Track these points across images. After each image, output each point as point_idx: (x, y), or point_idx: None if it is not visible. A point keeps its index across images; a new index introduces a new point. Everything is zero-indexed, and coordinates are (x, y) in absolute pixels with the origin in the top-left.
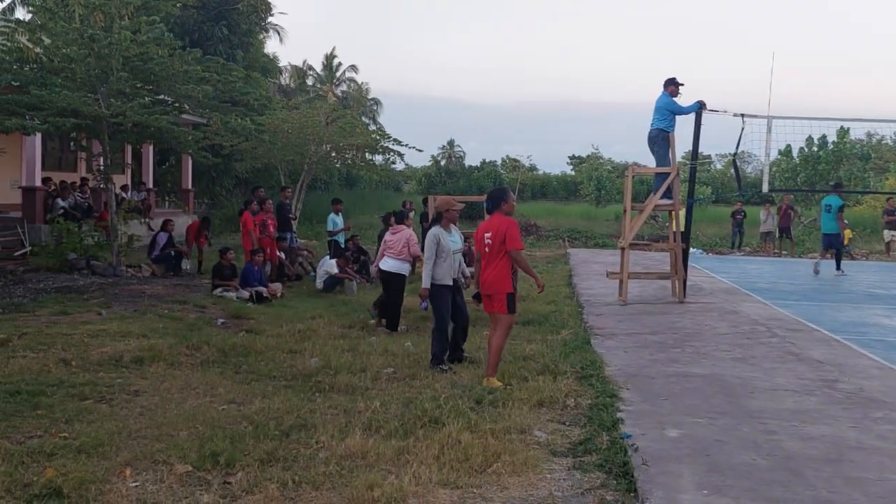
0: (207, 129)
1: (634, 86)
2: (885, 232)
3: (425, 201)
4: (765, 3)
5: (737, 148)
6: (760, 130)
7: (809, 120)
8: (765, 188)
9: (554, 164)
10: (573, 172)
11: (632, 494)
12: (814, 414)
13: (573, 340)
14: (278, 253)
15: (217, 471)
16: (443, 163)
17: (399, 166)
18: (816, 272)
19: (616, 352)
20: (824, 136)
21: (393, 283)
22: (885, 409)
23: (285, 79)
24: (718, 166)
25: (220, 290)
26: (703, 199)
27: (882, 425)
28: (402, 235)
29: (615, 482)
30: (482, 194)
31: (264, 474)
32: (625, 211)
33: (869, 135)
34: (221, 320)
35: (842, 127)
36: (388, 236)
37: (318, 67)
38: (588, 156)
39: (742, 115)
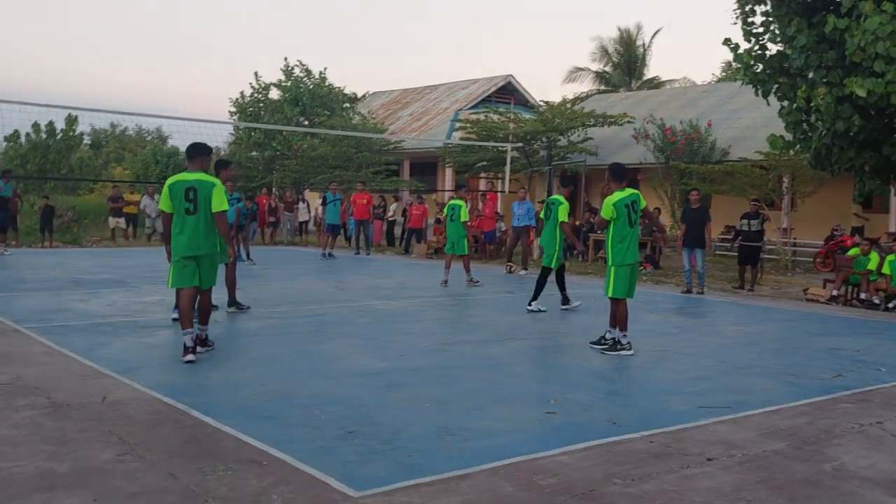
0: None
1: None
2: (111, 219)
3: None
4: None
5: None
6: None
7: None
8: None
9: None
10: None
11: None
12: None
13: None
14: None
15: None
16: None
17: None
18: None
19: None
20: (52, 123)
21: None
22: (33, 395)
23: None
24: None
25: None
26: None
27: (23, 412)
28: None
29: None
30: None
31: None
32: None
33: (113, 125)
34: None
35: (70, 115)
36: None
37: None
38: None
39: None
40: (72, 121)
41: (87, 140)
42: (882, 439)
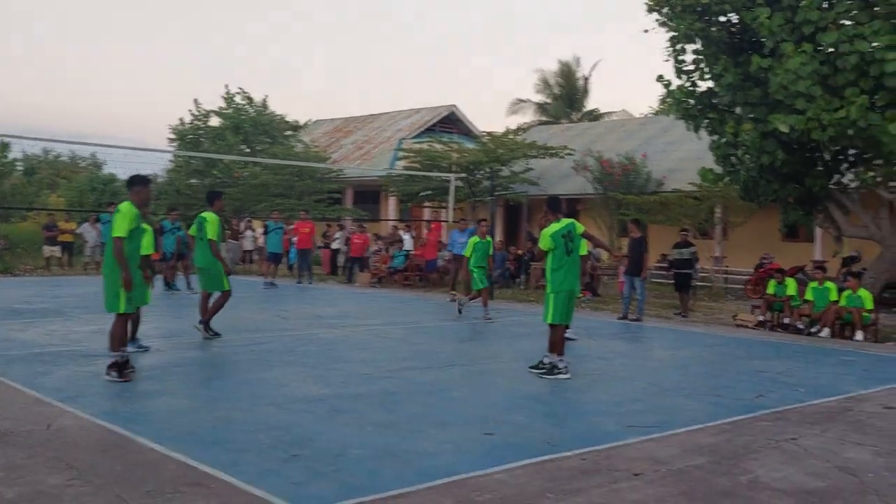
0: None
1: None
2: (45, 248)
3: None
4: None
5: None
6: None
7: None
8: None
9: None
10: None
11: None
12: None
13: None
14: None
15: None
16: None
17: None
18: None
19: None
20: None
21: None
22: None
23: None
24: None
25: None
26: None
27: None
28: None
29: None
30: None
31: None
32: None
33: (46, 150)
34: None
35: (1, 142)
36: None
37: None
38: None
39: None
40: (3, 147)
41: (19, 167)
42: (795, 454)
